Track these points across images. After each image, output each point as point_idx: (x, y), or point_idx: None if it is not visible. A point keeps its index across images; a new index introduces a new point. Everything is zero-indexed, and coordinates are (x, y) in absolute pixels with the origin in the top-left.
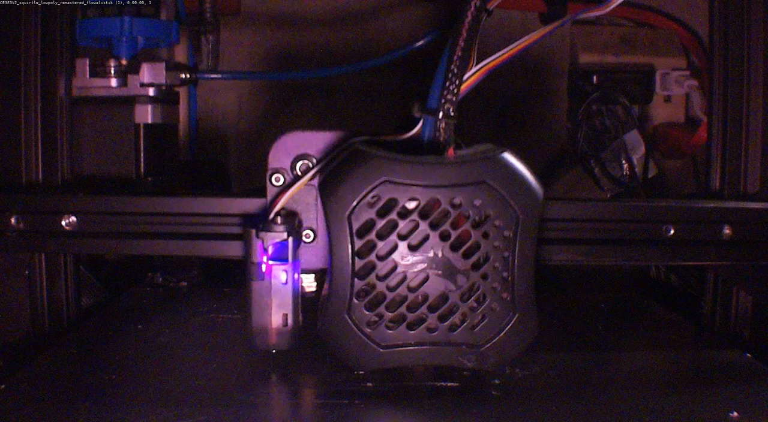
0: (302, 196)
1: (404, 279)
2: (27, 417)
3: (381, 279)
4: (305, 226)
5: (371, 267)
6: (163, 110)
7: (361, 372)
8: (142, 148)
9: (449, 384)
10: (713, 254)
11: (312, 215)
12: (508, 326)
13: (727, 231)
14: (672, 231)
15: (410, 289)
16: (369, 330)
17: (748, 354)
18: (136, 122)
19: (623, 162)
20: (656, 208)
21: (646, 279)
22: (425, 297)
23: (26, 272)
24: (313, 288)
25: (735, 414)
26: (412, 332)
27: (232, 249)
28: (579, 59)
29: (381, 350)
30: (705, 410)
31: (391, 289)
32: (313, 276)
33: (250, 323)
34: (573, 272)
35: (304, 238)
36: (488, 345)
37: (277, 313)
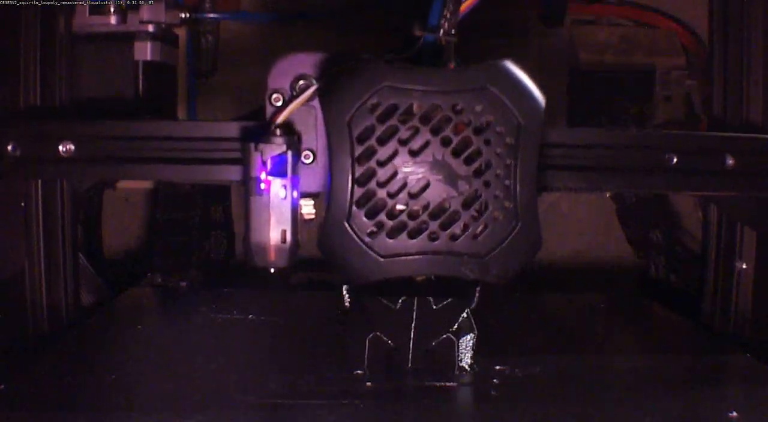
0: (302, 117)
1: (405, 185)
2: (27, 417)
3: (381, 185)
4: (305, 147)
5: (371, 174)
6: (162, 48)
7: (359, 372)
8: (140, 85)
9: (449, 384)
10: (716, 184)
11: (312, 136)
12: (511, 235)
13: (730, 161)
14: (675, 160)
15: (411, 196)
16: (369, 239)
17: (748, 354)
18: (135, 59)
19: None
20: (659, 136)
21: (646, 279)
22: (426, 205)
23: (22, 203)
24: (312, 216)
25: (735, 414)
26: (413, 241)
27: (232, 173)
28: (579, 59)
29: (381, 260)
30: (705, 410)
31: (391, 196)
32: (312, 203)
33: (249, 240)
34: (573, 272)
35: (303, 159)
36: (491, 254)
37: (275, 229)
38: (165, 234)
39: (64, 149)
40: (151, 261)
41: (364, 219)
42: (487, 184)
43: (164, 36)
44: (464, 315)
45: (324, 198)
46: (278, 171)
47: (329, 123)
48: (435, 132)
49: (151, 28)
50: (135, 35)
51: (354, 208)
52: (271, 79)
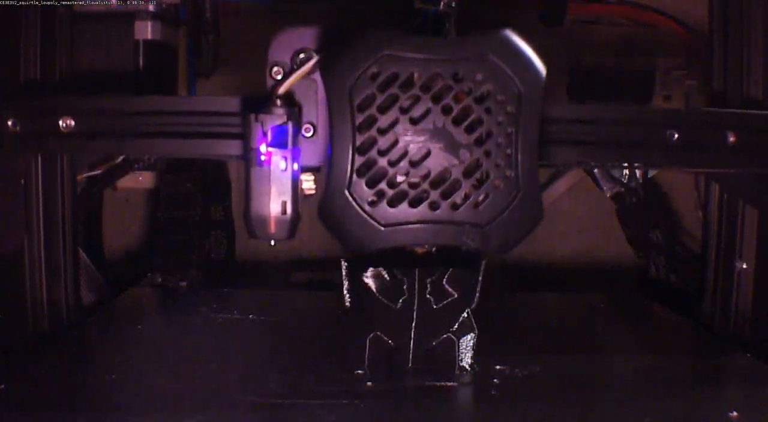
0: (303, 90)
1: (406, 154)
2: (27, 417)
3: (382, 154)
4: (306, 120)
5: (372, 142)
6: (163, 28)
7: (359, 372)
8: (141, 64)
9: (449, 384)
10: (717, 161)
11: (312, 109)
12: (512, 205)
13: (731, 138)
14: (676, 137)
15: (412, 164)
16: (370, 208)
17: (748, 354)
18: (135, 38)
19: None
20: (660, 113)
21: (646, 279)
22: (427, 174)
23: (22, 181)
24: (313, 191)
25: (735, 414)
26: (414, 210)
27: (232, 148)
28: (579, 59)
29: (382, 228)
30: (705, 410)
31: (392, 164)
32: (312, 178)
33: (249, 212)
34: (573, 272)
35: (304, 132)
36: (492, 224)
37: (276, 201)
38: (165, 233)
39: (65, 124)
40: (152, 261)
41: (365, 187)
42: (488, 153)
43: (165, 15)
44: (464, 315)
45: (325, 170)
46: (279, 142)
47: (330, 91)
48: (436, 100)
49: (151, 7)
50: (136, 14)
51: (355, 176)
52: (272, 53)
